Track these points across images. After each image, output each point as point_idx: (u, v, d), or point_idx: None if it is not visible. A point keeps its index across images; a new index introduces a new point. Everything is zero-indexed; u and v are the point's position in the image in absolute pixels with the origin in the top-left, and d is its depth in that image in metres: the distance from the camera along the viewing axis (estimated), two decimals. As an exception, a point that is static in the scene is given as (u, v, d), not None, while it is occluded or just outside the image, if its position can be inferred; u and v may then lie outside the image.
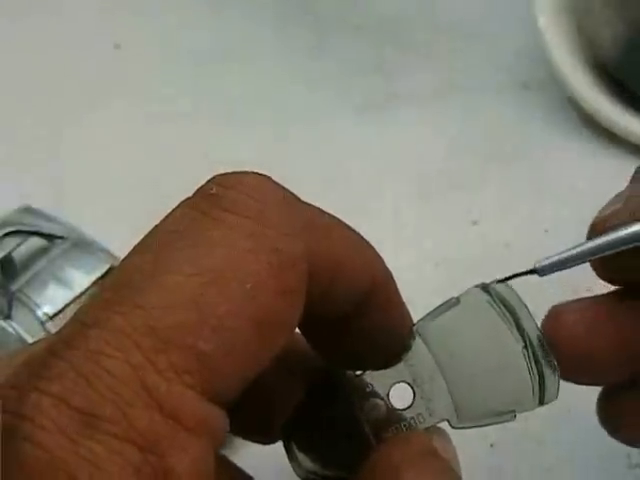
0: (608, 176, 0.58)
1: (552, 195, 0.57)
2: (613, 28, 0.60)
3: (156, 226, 0.27)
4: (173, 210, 0.28)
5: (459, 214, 0.57)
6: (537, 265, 0.33)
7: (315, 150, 0.60)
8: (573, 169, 0.58)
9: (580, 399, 0.47)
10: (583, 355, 0.34)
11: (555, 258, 0.33)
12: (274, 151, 0.60)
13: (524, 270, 0.33)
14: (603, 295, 0.35)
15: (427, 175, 0.59)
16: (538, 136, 0.60)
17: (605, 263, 0.34)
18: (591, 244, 0.33)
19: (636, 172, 0.36)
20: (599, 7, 0.60)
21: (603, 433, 0.47)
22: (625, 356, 0.34)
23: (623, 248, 0.33)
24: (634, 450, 0.47)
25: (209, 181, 0.28)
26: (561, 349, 0.33)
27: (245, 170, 0.29)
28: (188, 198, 0.28)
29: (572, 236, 0.55)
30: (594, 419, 0.47)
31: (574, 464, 0.47)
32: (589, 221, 0.55)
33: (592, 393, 0.48)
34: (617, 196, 0.35)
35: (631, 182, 0.36)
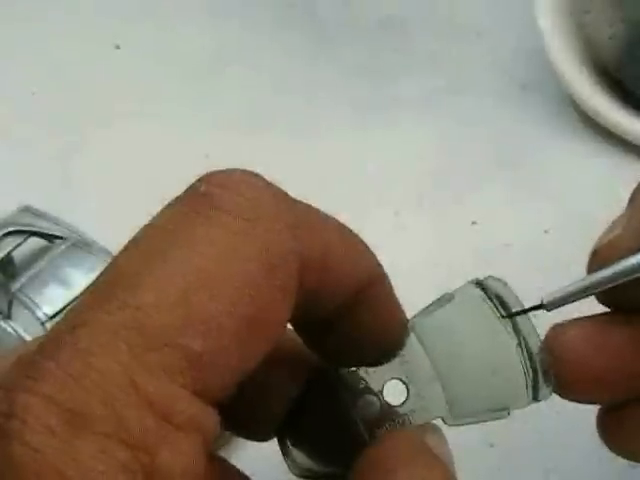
0: (607, 176, 0.58)
1: (551, 195, 0.57)
2: (612, 28, 0.60)
3: (146, 225, 0.27)
4: (163, 209, 0.27)
5: (459, 214, 0.57)
6: (544, 300, 0.33)
7: (315, 152, 0.60)
8: (572, 169, 0.58)
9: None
10: (585, 372, 0.34)
11: (562, 292, 0.33)
12: (273, 153, 0.60)
13: (531, 306, 0.33)
14: (606, 313, 0.35)
15: (427, 175, 0.59)
16: (537, 136, 0.60)
17: (607, 293, 0.34)
18: (597, 277, 0.33)
19: (634, 193, 0.36)
20: (598, 7, 0.60)
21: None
22: (627, 374, 0.34)
23: (629, 279, 0.32)
24: (634, 450, 0.47)
25: (199, 179, 0.28)
26: (563, 367, 0.33)
27: (235, 168, 0.29)
28: (178, 197, 0.28)
29: (571, 236, 0.55)
30: (594, 419, 0.48)
31: (574, 464, 0.47)
32: (588, 221, 0.55)
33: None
34: (617, 220, 0.35)
35: (629, 203, 0.36)
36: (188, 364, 0.24)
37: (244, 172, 0.28)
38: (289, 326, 0.29)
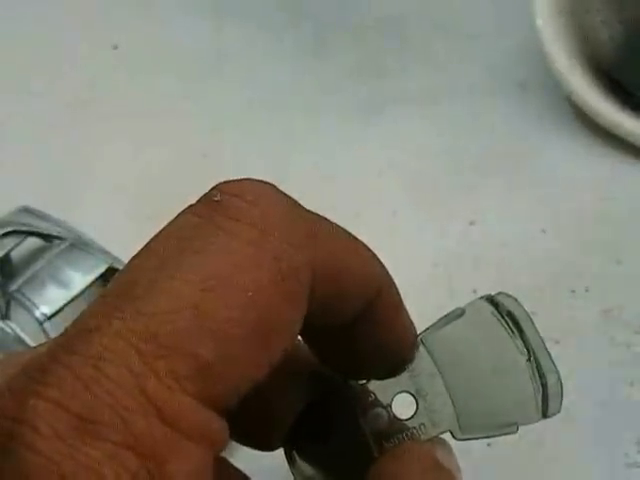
0: (605, 176, 0.58)
1: (549, 195, 0.57)
2: (611, 28, 0.60)
3: (159, 232, 0.27)
4: (177, 216, 0.27)
5: (457, 214, 0.57)
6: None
7: (314, 152, 0.60)
8: (570, 169, 0.58)
9: (579, 399, 0.47)
10: None
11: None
12: (273, 152, 0.60)
13: None
14: None
15: (425, 175, 0.59)
16: (536, 136, 0.60)
17: None
18: None
19: None
20: (597, 7, 0.60)
21: (601, 432, 0.47)
22: None
23: None
24: (632, 449, 0.47)
25: (213, 188, 0.28)
26: None
27: (250, 177, 0.29)
28: (192, 205, 0.28)
29: (569, 236, 0.55)
30: (592, 418, 0.48)
31: (571, 464, 0.47)
32: (586, 221, 0.56)
33: (590, 393, 0.48)
34: None
35: None
36: (198, 372, 0.24)
37: (258, 182, 0.28)
38: (299, 338, 0.29)
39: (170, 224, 0.27)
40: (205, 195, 0.28)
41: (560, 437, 0.47)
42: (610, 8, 0.60)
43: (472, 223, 0.56)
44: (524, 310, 0.32)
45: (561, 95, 0.60)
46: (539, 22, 0.59)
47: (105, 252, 0.52)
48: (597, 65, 0.59)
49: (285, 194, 0.28)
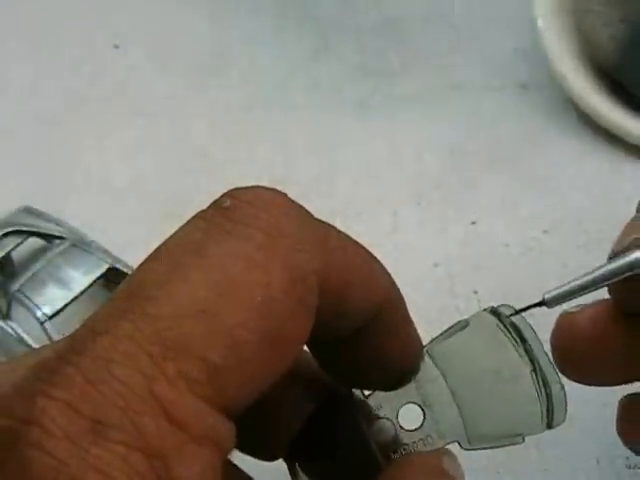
0: (607, 176, 0.58)
1: (551, 195, 0.57)
2: (612, 29, 0.60)
3: (170, 237, 0.27)
4: (187, 222, 0.28)
5: (458, 214, 0.57)
6: (546, 297, 0.33)
7: (315, 151, 0.60)
8: (572, 169, 0.58)
9: (579, 400, 0.47)
10: (597, 357, 0.34)
11: (563, 289, 0.33)
12: (273, 152, 0.60)
13: (533, 303, 0.33)
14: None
15: (426, 175, 0.59)
16: (537, 136, 0.60)
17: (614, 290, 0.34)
18: (596, 273, 0.33)
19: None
20: (598, 8, 0.60)
21: (602, 434, 0.47)
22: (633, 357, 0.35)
23: (625, 276, 0.33)
24: (633, 452, 0.47)
25: (224, 194, 0.28)
26: (576, 351, 0.33)
27: (259, 185, 0.29)
28: (202, 210, 0.28)
29: (570, 236, 0.55)
30: (593, 420, 0.48)
31: (573, 465, 0.47)
32: (588, 221, 0.56)
33: (590, 394, 0.48)
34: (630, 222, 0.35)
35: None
36: (208, 376, 0.25)
37: (269, 189, 0.28)
38: (305, 348, 0.29)
39: (180, 229, 0.27)
40: (215, 201, 0.28)
41: (560, 438, 0.47)
42: (612, 8, 0.60)
43: (473, 223, 0.57)
44: (527, 321, 0.33)
45: (563, 95, 0.60)
46: (540, 23, 0.59)
47: (106, 252, 0.52)
48: (599, 66, 0.59)
49: (294, 202, 0.28)
